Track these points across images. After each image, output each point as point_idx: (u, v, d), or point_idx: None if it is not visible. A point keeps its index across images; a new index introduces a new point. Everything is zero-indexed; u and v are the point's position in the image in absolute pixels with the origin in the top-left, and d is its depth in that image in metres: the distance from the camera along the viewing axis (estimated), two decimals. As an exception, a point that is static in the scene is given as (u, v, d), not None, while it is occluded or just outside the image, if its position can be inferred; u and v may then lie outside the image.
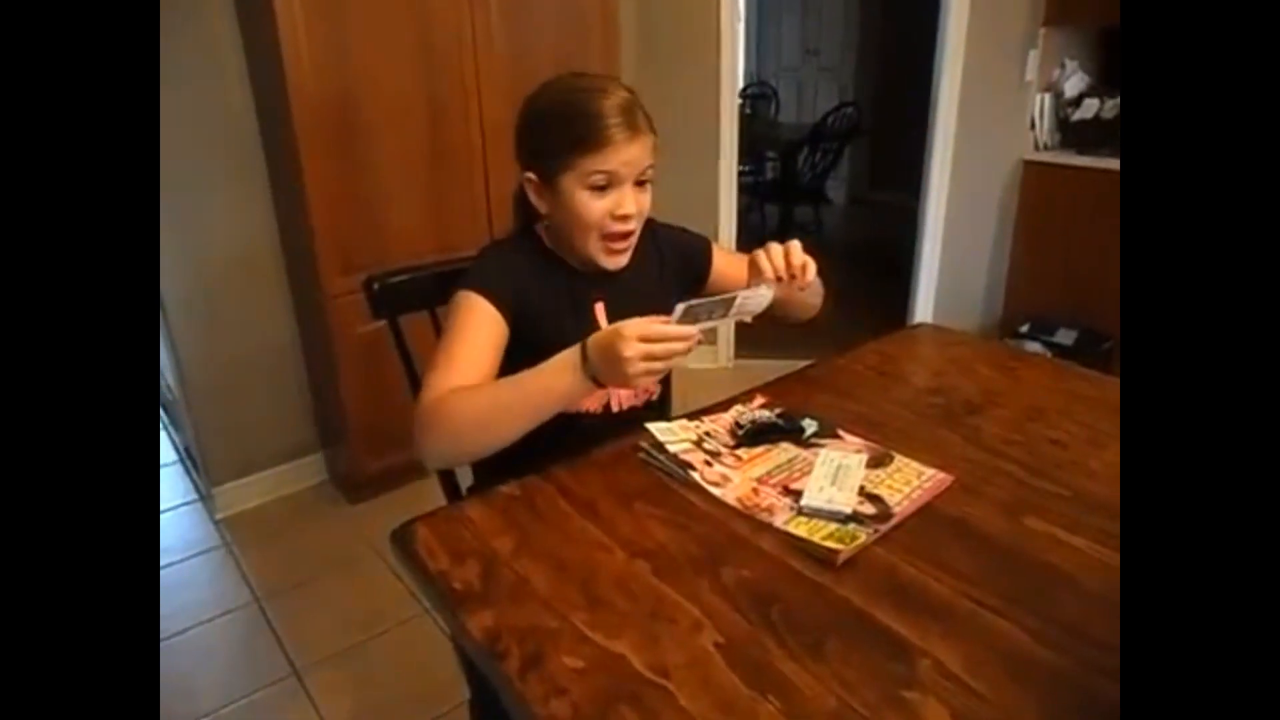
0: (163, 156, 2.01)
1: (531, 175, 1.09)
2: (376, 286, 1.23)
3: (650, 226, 1.20)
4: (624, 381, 0.89)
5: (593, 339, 0.91)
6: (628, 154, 1.03)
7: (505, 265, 1.12)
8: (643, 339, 0.86)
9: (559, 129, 1.05)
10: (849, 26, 5.72)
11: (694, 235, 1.31)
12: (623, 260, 1.11)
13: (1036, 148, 3.10)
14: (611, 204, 1.05)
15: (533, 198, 1.10)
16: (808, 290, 1.15)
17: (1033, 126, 3.08)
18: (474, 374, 0.99)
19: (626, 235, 1.09)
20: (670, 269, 1.24)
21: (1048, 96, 3.06)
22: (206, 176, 2.12)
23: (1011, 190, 3.16)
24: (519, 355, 1.03)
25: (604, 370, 0.89)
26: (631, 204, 1.06)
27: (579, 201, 1.05)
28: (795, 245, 1.09)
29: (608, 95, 1.04)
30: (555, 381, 0.93)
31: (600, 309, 1.14)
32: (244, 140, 2.16)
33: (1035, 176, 3.08)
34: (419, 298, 1.26)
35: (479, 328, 1.04)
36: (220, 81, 2.09)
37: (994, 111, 3.05)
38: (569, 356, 0.92)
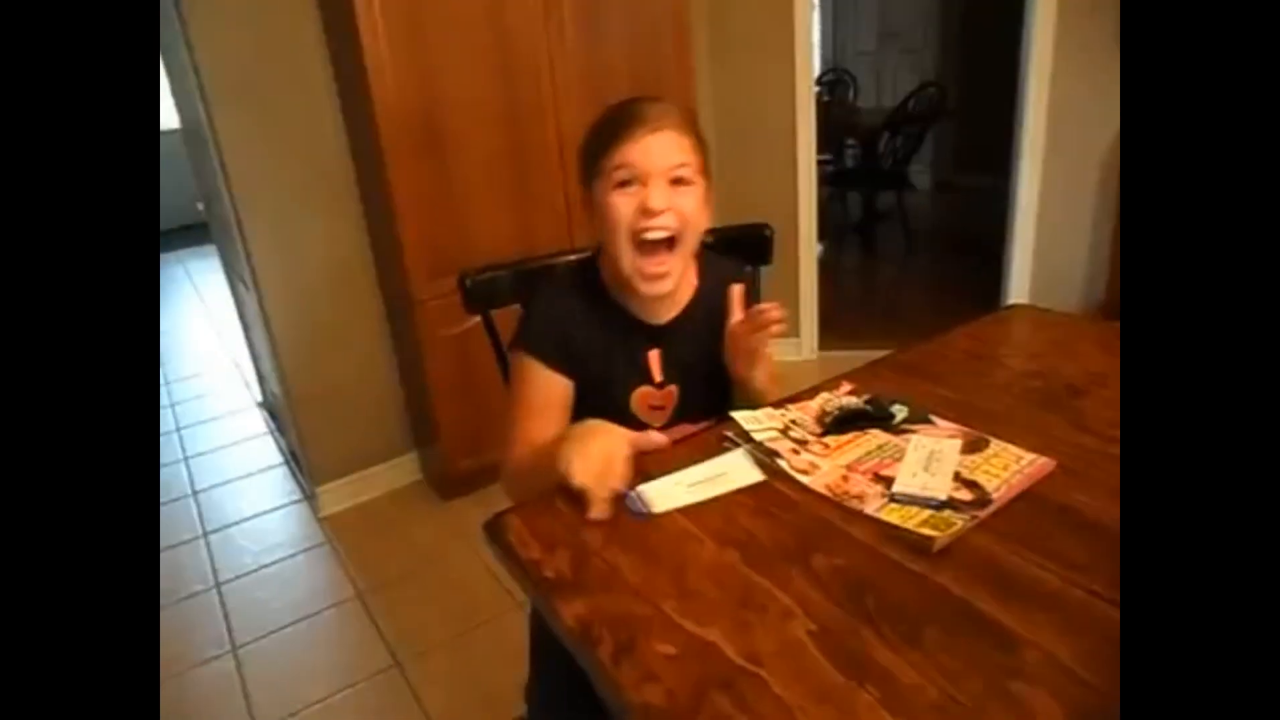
0: (259, 174, 2.12)
1: (584, 197, 1.09)
2: (469, 282, 1.29)
3: (709, 268, 1.16)
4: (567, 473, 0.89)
5: (575, 428, 0.96)
6: (650, 144, 1.00)
7: (552, 314, 1.11)
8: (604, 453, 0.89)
9: (592, 138, 1.06)
10: (928, 3, 5.54)
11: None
12: (662, 286, 1.05)
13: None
14: (637, 200, 1.01)
15: (588, 218, 1.10)
16: (761, 376, 1.09)
17: (1133, 95, 2.91)
18: (541, 437, 1.04)
19: (660, 247, 1.02)
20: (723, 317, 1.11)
21: (1148, 63, 2.89)
22: (303, 194, 2.22)
23: (1112, 165, 2.99)
24: (584, 394, 1.11)
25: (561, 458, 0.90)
26: (661, 198, 1.00)
27: (609, 204, 1.02)
28: (775, 306, 1.01)
29: (639, 101, 1.04)
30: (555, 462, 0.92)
31: (654, 356, 1.12)
32: (335, 157, 2.25)
33: (1137, 149, 2.91)
34: (509, 292, 1.31)
35: (536, 392, 1.09)
36: (311, 102, 2.18)
37: (1090, 82, 2.89)
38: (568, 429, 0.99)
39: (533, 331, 1.10)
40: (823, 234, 3.34)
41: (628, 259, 1.03)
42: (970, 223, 5.04)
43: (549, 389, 1.08)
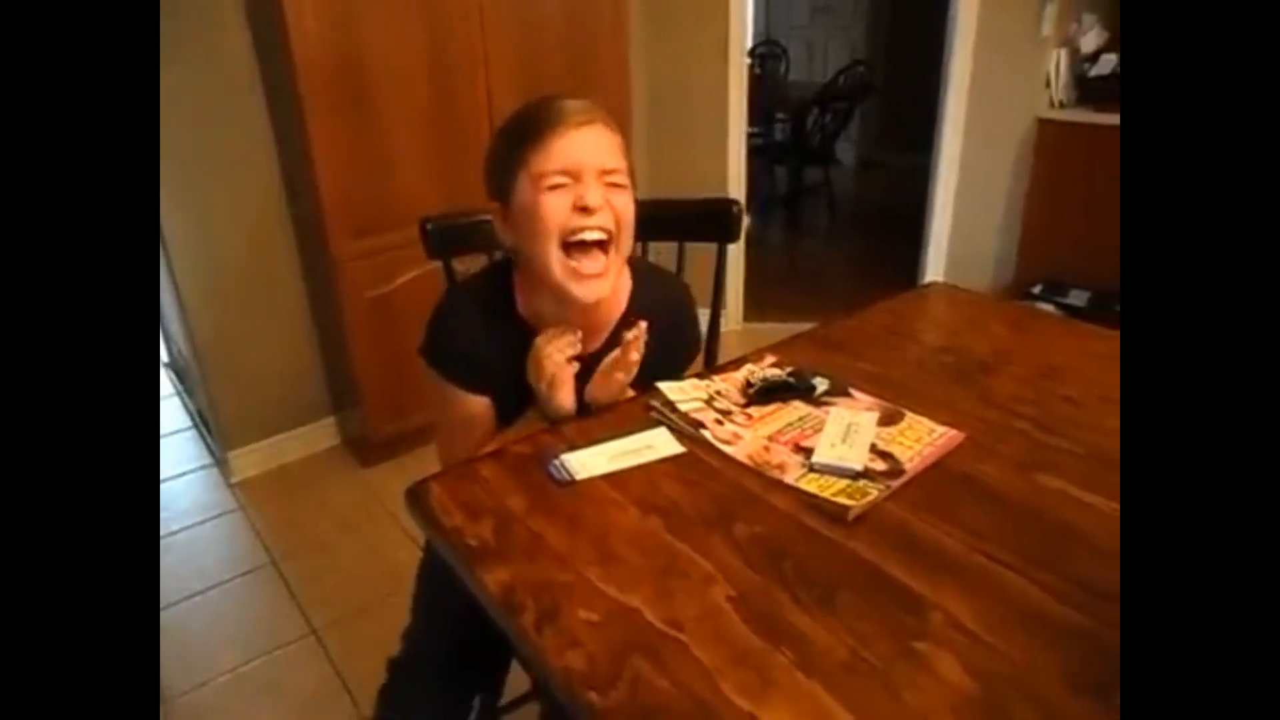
0: (167, 124, 2.00)
1: (495, 206, 1.01)
2: (430, 226, 1.26)
3: (642, 291, 1.08)
4: (552, 394, 0.99)
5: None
6: (581, 139, 0.94)
7: (463, 339, 1.04)
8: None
9: (507, 139, 0.98)
10: (861, -18, 5.60)
11: (689, 331, 1.15)
12: (599, 287, 0.97)
13: (1052, 105, 3.04)
14: (570, 197, 0.94)
15: (500, 233, 1.02)
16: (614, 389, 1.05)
17: (1048, 84, 3.02)
18: (471, 434, 1.06)
19: (595, 249, 0.96)
20: (655, 341, 1.02)
21: (1064, 52, 3.00)
22: (212, 143, 2.11)
23: (1026, 149, 3.11)
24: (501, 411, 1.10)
25: (542, 399, 0.99)
26: (597, 195, 0.94)
27: (536, 207, 0.94)
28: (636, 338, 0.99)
29: (559, 97, 0.97)
30: (525, 434, 0.99)
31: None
32: (250, 108, 2.14)
33: (1050, 135, 3.03)
34: (475, 239, 1.28)
35: (457, 410, 1.07)
36: (223, 46, 2.06)
37: (1009, 68, 2.99)
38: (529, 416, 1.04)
39: (444, 356, 1.05)
40: (750, 207, 3.37)
41: (558, 265, 0.95)
42: (892, 200, 5.18)
43: (470, 407, 1.07)
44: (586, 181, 0.94)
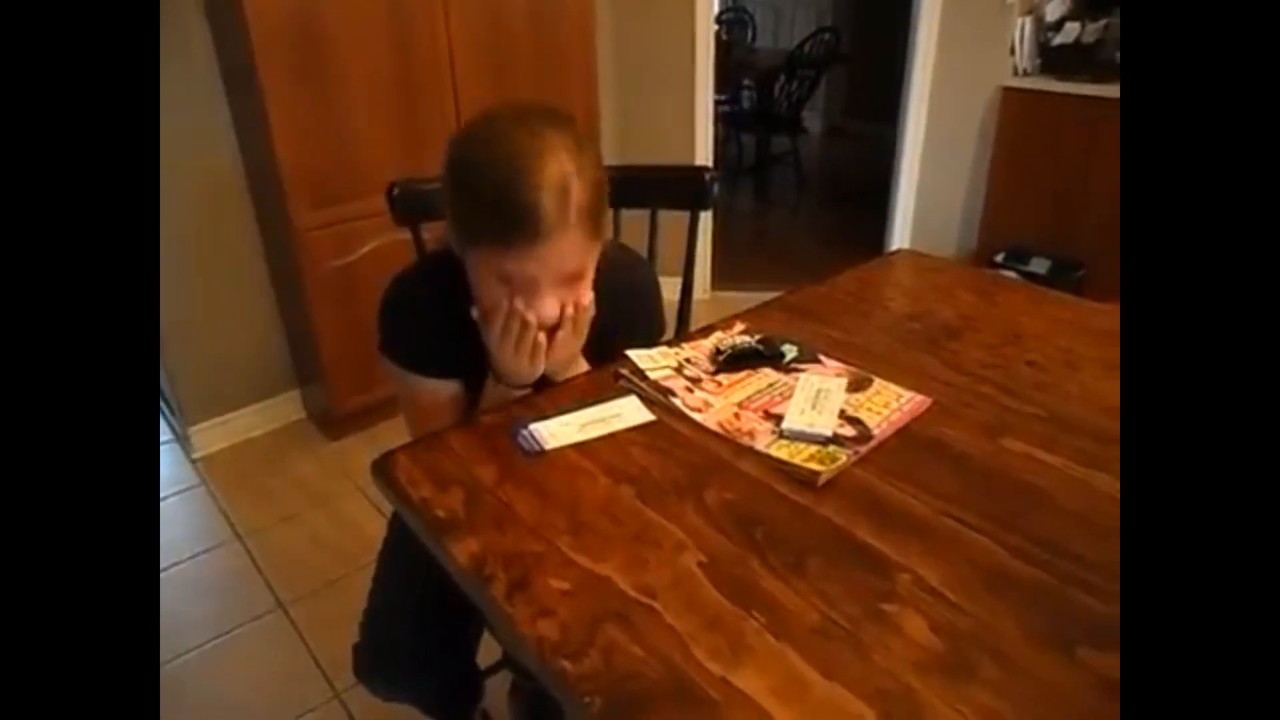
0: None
1: (451, 226, 0.93)
2: (396, 190, 1.22)
3: (606, 277, 1.01)
4: (514, 367, 0.95)
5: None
6: (541, 256, 0.87)
7: (416, 328, 1.02)
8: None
9: (468, 203, 0.88)
10: (827, -52, 5.55)
11: (653, 315, 1.13)
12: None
13: (1016, 73, 3.06)
14: (524, 298, 0.90)
15: (451, 242, 0.95)
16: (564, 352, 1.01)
17: (1013, 52, 3.04)
18: (443, 421, 0.99)
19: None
20: (613, 325, 1.02)
21: (1029, 20, 3.01)
22: (163, 114, 2.03)
23: (990, 118, 3.13)
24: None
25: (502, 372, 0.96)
26: (552, 307, 0.91)
27: (484, 285, 0.92)
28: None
29: (532, 186, 0.83)
30: (492, 405, 0.97)
31: None
32: (202, 73, 2.07)
33: (1014, 103, 3.05)
34: (440, 205, 1.22)
35: (422, 396, 1.05)
36: (173, 10, 1.98)
37: (975, 36, 3.00)
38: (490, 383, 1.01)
39: (400, 348, 1.03)
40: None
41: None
42: (859, 169, 5.19)
43: (434, 393, 1.04)
44: (543, 292, 0.91)
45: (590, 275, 0.95)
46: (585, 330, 0.99)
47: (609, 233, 0.97)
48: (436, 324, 1.00)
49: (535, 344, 0.94)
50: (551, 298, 0.92)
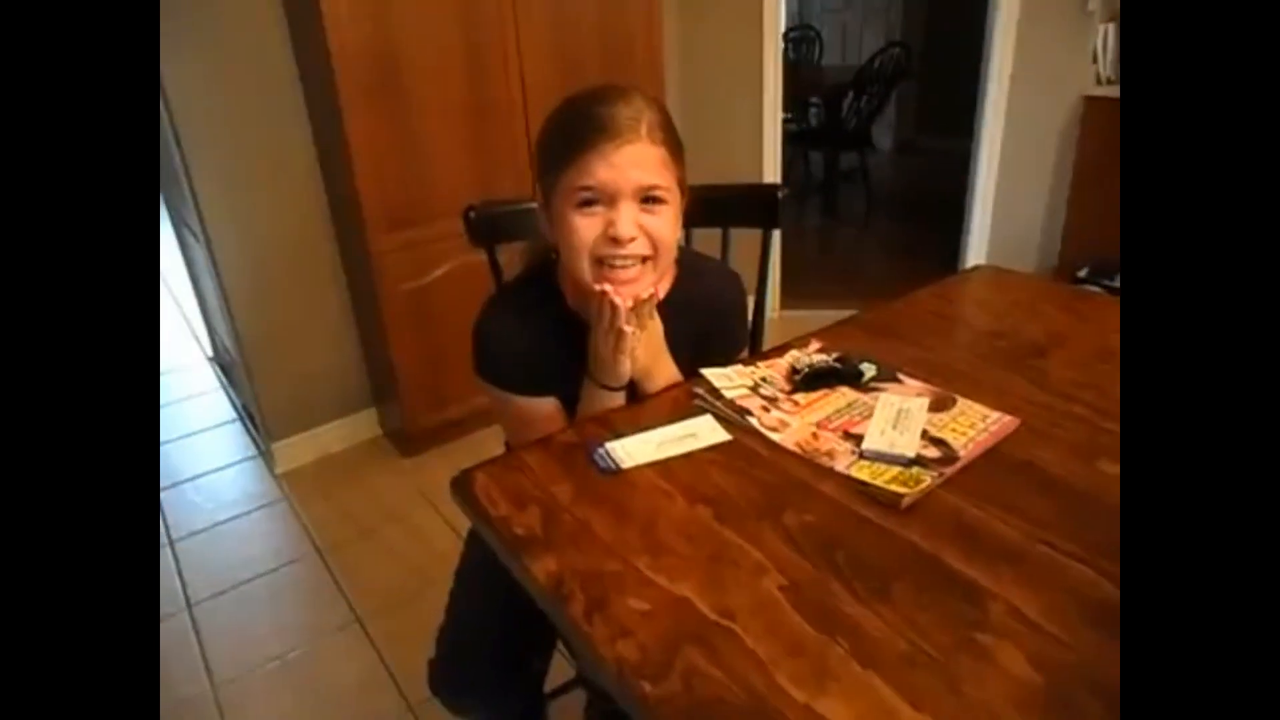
0: (203, 118, 2.03)
1: (540, 199, 0.96)
2: (473, 214, 1.26)
3: (700, 285, 1.05)
4: (608, 360, 0.95)
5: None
6: (618, 161, 0.88)
7: (514, 346, 1.02)
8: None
9: (549, 143, 0.93)
10: (896, -38, 5.50)
11: (732, 321, 1.12)
12: (630, 292, 0.93)
13: (1099, 82, 2.95)
14: (603, 222, 0.90)
15: (543, 227, 0.98)
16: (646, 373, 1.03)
17: (1095, 60, 2.93)
18: (538, 431, 0.98)
19: (630, 266, 0.93)
20: (694, 338, 1.03)
21: (1112, 26, 2.90)
22: (255, 141, 2.13)
23: (1071, 129, 3.03)
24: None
25: (595, 367, 0.96)
26: (629, 225, 0.90)
27: (568, 224, 0.91)
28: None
29: (606, 102, 0.89)
30: (590, 411, 1.00)
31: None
32: (288, 104, 2.16)
33: (1097, 113, 2.94)
34: (518, 226, 1.26)
35: (524, 411, 1.04)
36: (262, 45, 2.08)
37: (1054, 45, 2.91)
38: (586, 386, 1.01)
39: (499, 367, 1.03)
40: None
41: (591, 278, 0.93)
42: (931, 185, 5.09)
43: (534, 409, 1.04)
44: (621, 207, 0.90)
45: (671, 211, 0.94)
46: (654, 323, 0.99)
47: (685, 176, 0.98)
48: (530, 343, 1.02)
49: (620, 331, 0.93)
50: (629, 216, 0.90)
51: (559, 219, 0.93)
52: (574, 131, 0.90)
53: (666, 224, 0.93)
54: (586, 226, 0.91)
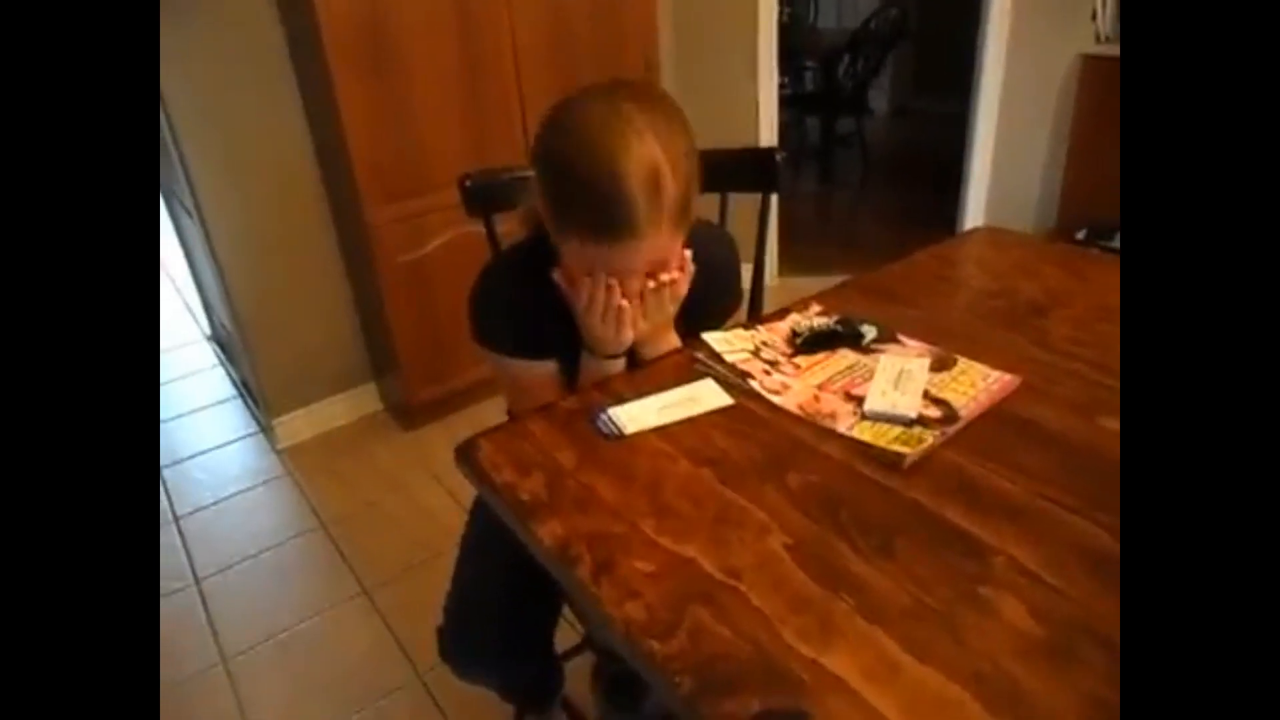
0: (193, 91, 2.00)
1: (545, 212, 0.92)
2: (469, 183, 1.24)
3: (693, 250, 1.02)
4: (601, 334, 0.95)
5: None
6: (633, 257, 0.89)
7: (511, 312, 1.03)
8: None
9: (564, 194, 0.87)
10: (891, -79, 5.39)
11: (731, 284, 1.14)
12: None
13: (1098, 40, 2.91)
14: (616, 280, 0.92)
15: (544, 217, 0.93)
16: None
17: (1094, 17, 2.89)
18: (545, 399, 0.98)
19: None
20: (690, 299, 1.02)
21: (1110, -17, 2.87)
22: (245, 114, 2.11)
23: (1069, 88, 3.00)
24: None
25: (592, 343, 0.97)
26: (636, 286, 0.94)
27: (573, 272, 0.93)
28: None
29: (630, 176, 0.82)
30: (590, 378, 1.00)
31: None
32: (277, 74, 2.13)
33: (1095, 72, 2.91)
34: (515, 195, 1.25)
35: (522, 376, 1.05)
36: (248, 11, 2.04)
37: (1052, 3, 2.87)
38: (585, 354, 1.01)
39: (496, 332, 1.04)
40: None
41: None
42: (928, 148, 5.04)
43: (532, 372, 1.04)
44: (630, 280, 0.92)
45: (678, 254, 0.95)
46: (675, 302, 0.99)
47: (698, 211, 0.97)
48: (528, 308, 1.01)
49: (620, 311, 0.94)
50: (637, 283, 0.93)
51: (569, 259, 0.93)
52: (588, 210, 0.85)
53: (675, 264, 0.95)
54: (590, 280, 0.92)
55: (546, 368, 1.05)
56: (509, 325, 1.03)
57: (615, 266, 0.90)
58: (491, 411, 1.26)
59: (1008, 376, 0.92)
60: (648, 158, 0.83)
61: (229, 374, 2.93)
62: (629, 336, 0.98)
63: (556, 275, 0.95)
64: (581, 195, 0.84)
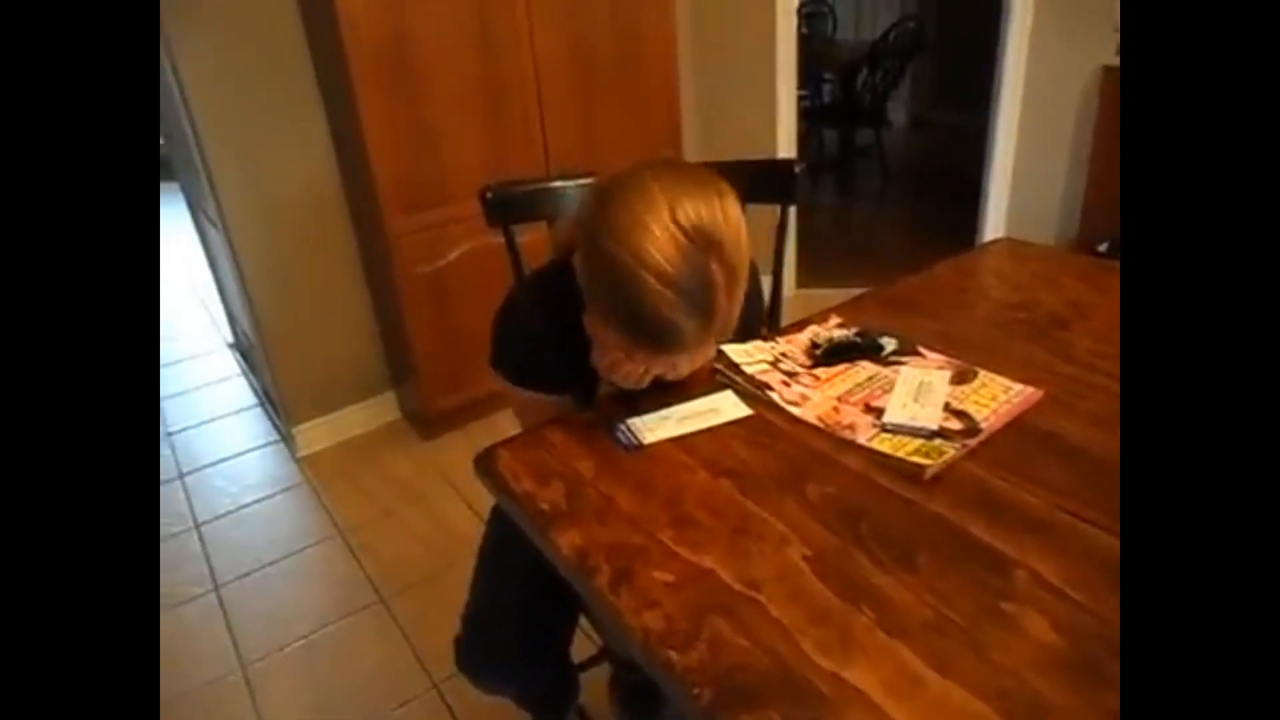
0: (218, 106, 2.04)
1: (582, 265, 0.88)
2: (490, 194, 1.25)
3: None
4: (621, 386, 0.94)
5: None
6: (680, 362, 0.87)
7: (531, 347, 1.01)
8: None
9: (613, 297, 0.81)
10: (910, -66, 5.41)
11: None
12: None
13: (1119, 52, 2.90)
14: (645, 369, 0.91)
15: (584, 293, 0.88)
16: None
17: (1116, 30, 2.88)
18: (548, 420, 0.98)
19: None
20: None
21: (1131, -5, 2.85)
22: (270, 128, 2.14)
23: (1090, 100, 2.98)
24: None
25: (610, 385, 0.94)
26: (674, 376, 0.93)
27: (610, 352, 0.90)
28: None
29: (679, 308, 0.77)
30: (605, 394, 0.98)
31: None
32: (302, 89, 2.16)
33: (1116, 84, 2.89)
34: (535, 207, 1.26)
35: (537, 404, 1.03)
36: (274, 31, 2.08)
37: (1072, 14, 2.86)
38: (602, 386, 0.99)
39: (516, 366, 1.02)
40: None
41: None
42: (947, 160, 5.03)
43: (545, 402, 1.03)
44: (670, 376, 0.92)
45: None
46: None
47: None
48: (549, 346, 0.99)
49: (643, 377, 0.93)
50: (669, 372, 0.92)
51: (601, 334, 0.89)
52: (635, 322, 0.80)
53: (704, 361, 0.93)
54: (627, 363, 0.90)
55: (560, 399, 1.04)
56: (529, 362, 1.01)
57: (653, 364, 0.89)
58: (510, 421, 1.26)
59: (1029, 389, 0.91)
60: (707, 285, 0.78)
61: (250, 382, 2.96)
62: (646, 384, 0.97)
63: (588, 323, 0.91)
64: (629, 310, 0.79)
